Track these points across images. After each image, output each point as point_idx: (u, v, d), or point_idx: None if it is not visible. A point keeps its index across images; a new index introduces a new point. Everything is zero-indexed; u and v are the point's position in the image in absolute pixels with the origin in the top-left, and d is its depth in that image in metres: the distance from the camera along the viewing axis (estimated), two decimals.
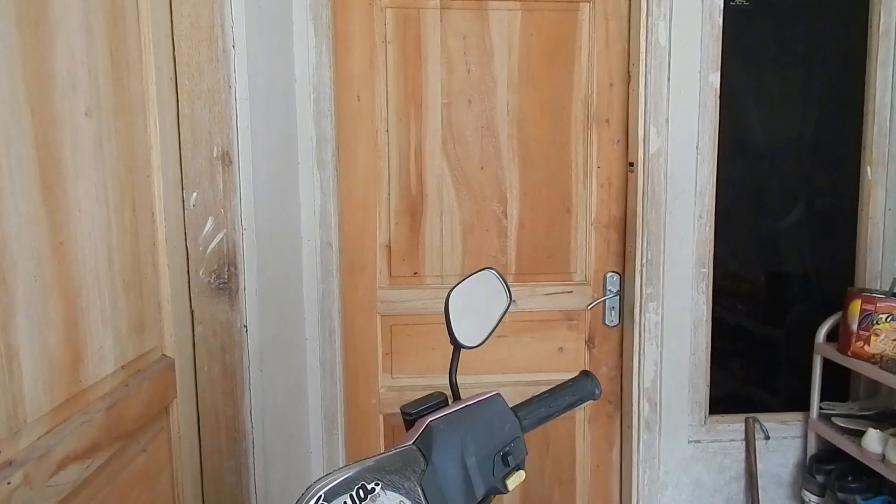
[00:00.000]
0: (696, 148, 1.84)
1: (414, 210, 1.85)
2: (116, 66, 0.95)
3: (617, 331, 1.97)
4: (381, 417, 1.91)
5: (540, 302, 1.91)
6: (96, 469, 0.86)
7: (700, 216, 1.87)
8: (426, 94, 1.82)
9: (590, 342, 1.96)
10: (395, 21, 1.78)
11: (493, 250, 1.89)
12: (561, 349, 1.94)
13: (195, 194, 1.17)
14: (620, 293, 1.94)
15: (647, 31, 1.78)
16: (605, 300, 1.94)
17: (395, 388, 1.89)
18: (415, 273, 1.87)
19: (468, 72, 1.82)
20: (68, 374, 0.82)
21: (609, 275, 1.93)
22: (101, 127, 0.91)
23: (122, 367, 0.96)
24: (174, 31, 1.14)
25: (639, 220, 1.85)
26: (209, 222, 1.18)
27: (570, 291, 1.92)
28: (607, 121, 1.88)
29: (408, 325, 1.89)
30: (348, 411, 1.88)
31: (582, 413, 1.99)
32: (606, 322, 1.95)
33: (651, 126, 1.81)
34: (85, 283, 0.86)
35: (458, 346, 0.83)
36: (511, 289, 0.91)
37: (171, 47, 1.14)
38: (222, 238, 1.19)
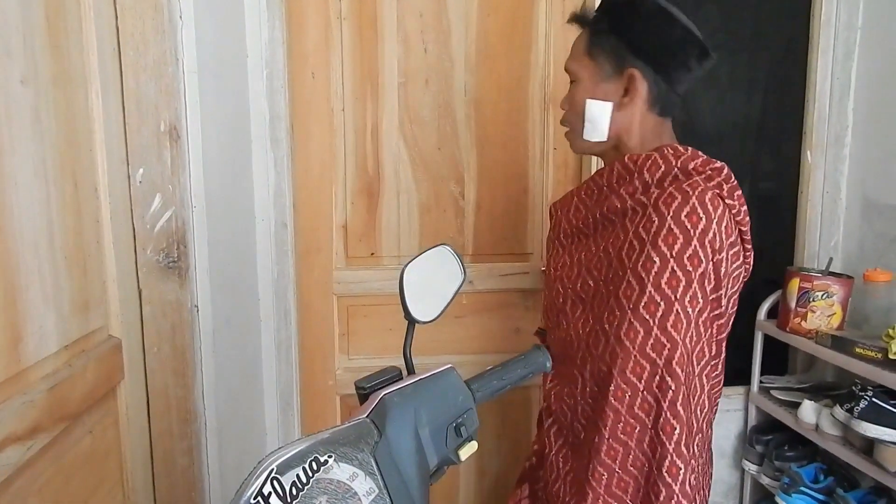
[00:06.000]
0: None
1: (371, 190, 1.84)
2: (54, 34, 0.91)
3: None
4: (338, 398, 1.90)
5: (497, 282, 1.92)
6: (39, 451, 0.84)
7: None
8: (383, 73, 1.79)
9: None
10: None
11: (450, 231, 1.89)
12: (518, 329, 1.96)
13: (141, 170, 1.13)
14: None
15: None
16: None
17: (351, 368, 1.89)
18: (372, 254, 1.87)
19: (425, 51, 1.80)
20: (7, 354, 0.79)
21: None
22: (39, 97, 0.87)
23: (66, 347, 0.93)
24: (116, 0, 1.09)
25: None
26: (157, 199, 1.14)
27: (527, 272, 1.94)
28: None
29: (364, 306, 1.88)
30: (304, 392, 1.86)
31: (539, 392, 2.03)
32: None
33: None
34: (23, 260, 0.82)
35: (412, 322, 0.83)
36: (467, 268, 0.92)
37: (114, 16, 1.09)
38: (171, 216, 1.16)
